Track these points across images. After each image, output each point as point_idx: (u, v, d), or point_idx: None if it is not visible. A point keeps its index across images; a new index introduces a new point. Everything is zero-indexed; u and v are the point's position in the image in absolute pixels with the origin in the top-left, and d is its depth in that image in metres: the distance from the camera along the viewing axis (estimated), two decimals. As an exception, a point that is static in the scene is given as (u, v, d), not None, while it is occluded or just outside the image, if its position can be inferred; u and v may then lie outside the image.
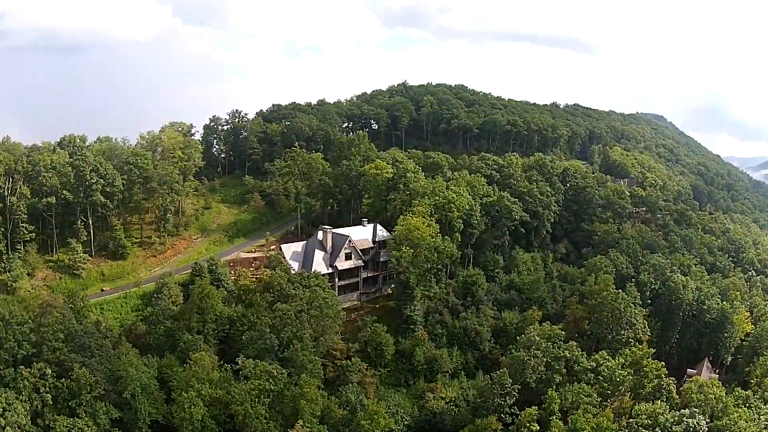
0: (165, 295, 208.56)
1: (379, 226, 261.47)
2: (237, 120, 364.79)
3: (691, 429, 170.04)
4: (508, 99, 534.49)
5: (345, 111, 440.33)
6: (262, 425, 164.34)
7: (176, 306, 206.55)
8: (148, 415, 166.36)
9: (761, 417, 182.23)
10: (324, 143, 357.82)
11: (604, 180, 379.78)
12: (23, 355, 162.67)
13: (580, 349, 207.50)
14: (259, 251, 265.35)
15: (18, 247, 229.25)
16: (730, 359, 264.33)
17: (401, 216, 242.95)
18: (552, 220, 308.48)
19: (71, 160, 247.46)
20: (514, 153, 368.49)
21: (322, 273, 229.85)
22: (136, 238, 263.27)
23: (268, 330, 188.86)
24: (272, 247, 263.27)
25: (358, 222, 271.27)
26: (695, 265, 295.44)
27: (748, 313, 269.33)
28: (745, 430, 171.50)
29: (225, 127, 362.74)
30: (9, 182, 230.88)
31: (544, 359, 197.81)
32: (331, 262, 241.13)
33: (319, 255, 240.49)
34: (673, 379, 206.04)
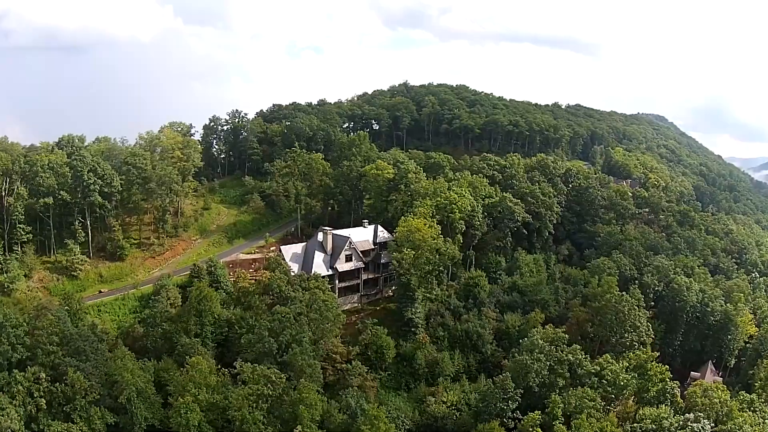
0: (163, 297, 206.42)
1: (380, 228, 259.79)
2: (237, 120, 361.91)
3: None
4: (510, 99, 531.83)
5: (346, 111, 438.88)
6: (260, 431, 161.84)
7: (174, 308, 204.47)
8: (145, 420, 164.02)
9: (766, 421, 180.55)
10: (325, 144, 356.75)
11: (606, 181, 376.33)
12: (17, 358, 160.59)
13: (583, 353, 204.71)
14: (258, 252, 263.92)
15: (15, 248, 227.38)
16: (733, 362, 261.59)
17: (402, 217, 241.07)
18: (554, 222, 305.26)
19: (69, 160, 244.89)
20: (516, 153, 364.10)
21: (322, 275, 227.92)
22: (135, 239, 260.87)
23: (267, 333, 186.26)
24: (272, 249, 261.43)
25: (358, 223, 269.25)
26: (698, 266, 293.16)
27: (752, 315, 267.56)
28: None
29: (225, 128, 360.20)
30: (6, 183, 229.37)
31: (548, 363, 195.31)
32: (331, 263, 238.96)
33: (319, 256, 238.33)
34: (677, 382, 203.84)
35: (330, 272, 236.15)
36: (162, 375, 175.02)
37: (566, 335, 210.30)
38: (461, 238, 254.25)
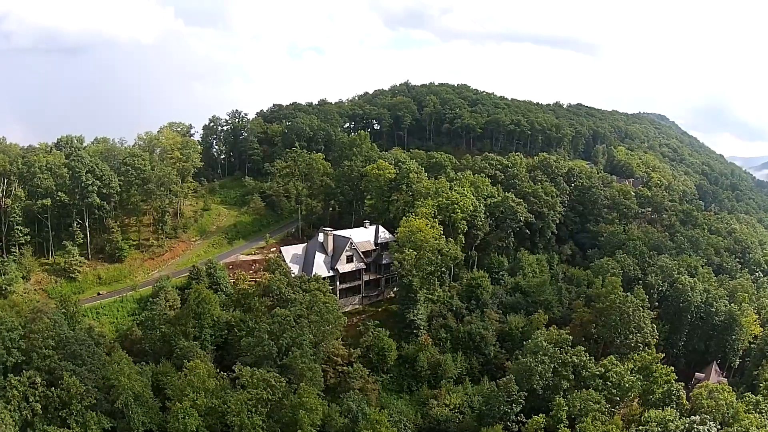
0: (161, 299, 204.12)
1: (381, 228, 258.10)
2: (237, 120, 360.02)
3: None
4: (511, 99, 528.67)
5: (347, 111, 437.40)
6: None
7: (173, 310, 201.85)
8: (142, 425, 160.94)
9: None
10: (325, 144, 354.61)
11: (609, 180, 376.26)
12: (12, 362, 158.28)
13: (587, 354, 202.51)
14: (258, 254, 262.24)
15: (13, 250, 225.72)
16: (738, 362, 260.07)
17: (404, 217, 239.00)
18: (557, 221, 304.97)
19: (67, 161, 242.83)
20: (518, 153, 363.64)
21: (323, 276, 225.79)
22: (134, 241, 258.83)
23: (267, 336, 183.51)
24: (272, 250, 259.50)
25: (360, 224, 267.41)
26: (702, 266, 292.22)
27: (756, 316, 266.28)
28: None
29: (225, 128, 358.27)
30: (4, 184, 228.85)
31: (552, 365, 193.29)
32: (332, 264, 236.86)
33: (319, 258, 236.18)
34: (682, 384, 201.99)
35: (331, 273, 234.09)
36: (160, 378, 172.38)
37: (570, 336, 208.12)
38: (463, 239, 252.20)
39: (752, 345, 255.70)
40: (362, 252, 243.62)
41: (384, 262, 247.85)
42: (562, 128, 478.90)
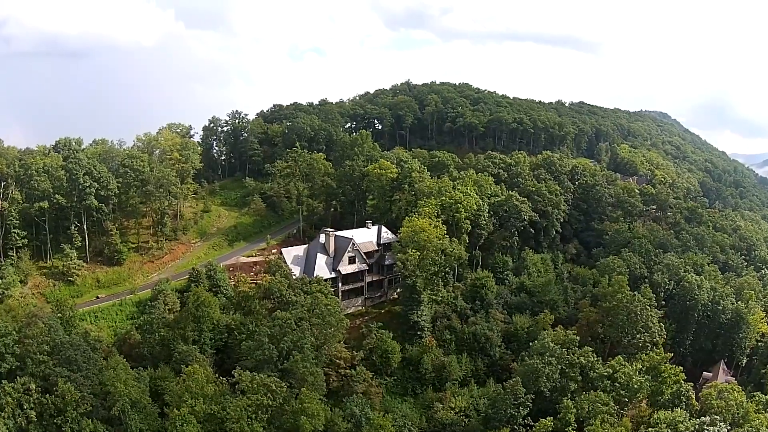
0: (159, 302, 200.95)
1: (384, 228, 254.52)
2: (237, 121, 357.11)
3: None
4: (514, 97, 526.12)
5: (348, 111, 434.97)
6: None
7: (173, 314, 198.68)
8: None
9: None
10: (326, 144, 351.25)
11: (613, 178, 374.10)
12: (6, 368, 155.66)
13: (595, 355, 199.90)
14: (259, 255, 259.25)
15: (10, 254, 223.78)
16: (745, 361, 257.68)
17: (407, 217, 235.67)
18: (561, 220, 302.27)
19: (64, 163, 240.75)
20: (521, 152, 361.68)
21: (325, 278, 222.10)
22: (133, 243, 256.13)
23: (267, 340, 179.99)
24: (273, 251, 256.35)
25: (362, 224, 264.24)
26: (708, 264, 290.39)
27: (763, 313, 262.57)
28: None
29: (225, 129, 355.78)
30: (1, 187, 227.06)
31: (559, 366, 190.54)
32: (334, 266, 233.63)
33: (321, 259, 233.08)
34: (691, 384, 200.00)
35: (333, 275, 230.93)
36: (159, 384, 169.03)
37: (577, 337, 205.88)
38: (467, 238, 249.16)
39: (759, 343, 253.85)
40: (364, 253, 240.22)
41: (387, 262, 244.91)
42: (565, 126, 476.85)
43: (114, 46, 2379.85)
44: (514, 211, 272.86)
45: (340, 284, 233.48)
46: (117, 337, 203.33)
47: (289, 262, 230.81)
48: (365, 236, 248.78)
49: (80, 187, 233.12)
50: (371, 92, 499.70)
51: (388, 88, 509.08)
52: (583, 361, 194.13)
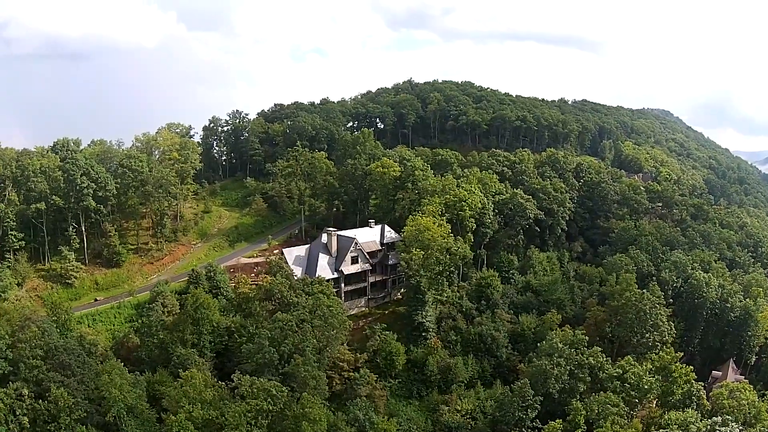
0: (158, 305, 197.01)
1: (387, 227, 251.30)
2: (237, 120, 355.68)
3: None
4: (516, 95, 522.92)
5: (349, 110, 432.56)
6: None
7: (172, 316, 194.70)
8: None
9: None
10: (328, 143, 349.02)
11: (618, 175, 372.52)
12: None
13: (603, 355, 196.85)
14: (261, 256, 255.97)
15: (7, 256, 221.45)
16: (754, 359, 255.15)
17: (410, 216, 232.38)
18: (567, 218, 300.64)
19: (62, 164, 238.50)
20: (525, 149, 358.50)
21: (327, 278, 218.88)
22: (132, 245, 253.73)
23: (267, 342, 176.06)
24: (275, 252, 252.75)
25: (364, 224, 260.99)
26: (715, 261, 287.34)
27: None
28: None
29: (225, 128, 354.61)
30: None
31: (568, 367, 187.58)
32: (336, 266, 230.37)
33: (323, 259, 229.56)
34: (702, 384, 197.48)
35: (335, 275, 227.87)
36: (157, 388, 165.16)
37: (586, 337, 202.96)
38: (472, 237, 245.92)
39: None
40: (367, 252, 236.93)
41: (390, 262, 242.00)
42: (569, 124, 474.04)
43: (115, 48, 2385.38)
44: (519, 209, 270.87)
45: (342, 285, 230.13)
46: (115, 340, 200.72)
47: (290, 262, 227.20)
48: (368, 236, 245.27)
49: (77, 187, 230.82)
50: (373, 91, 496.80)
51: (390, 87, 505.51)
52: (592, 362, 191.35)
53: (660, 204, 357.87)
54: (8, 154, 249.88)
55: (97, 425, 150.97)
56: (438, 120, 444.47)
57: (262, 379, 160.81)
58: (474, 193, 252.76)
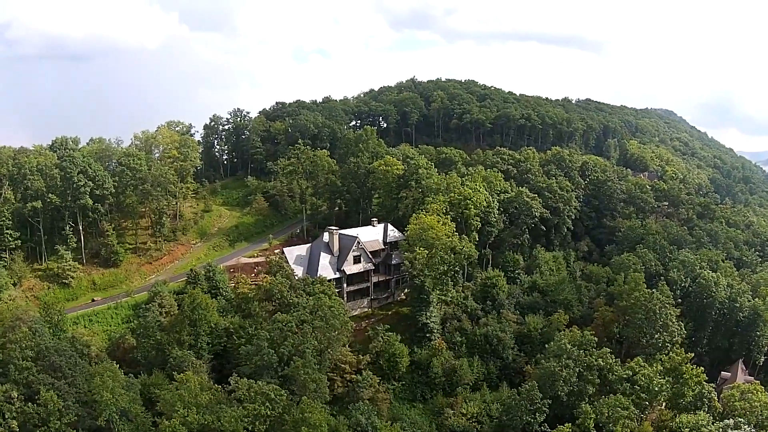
0: (154, 305, 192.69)
1: (390, 226, 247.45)
2: (239, 119, 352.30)
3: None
4: (520, 94, 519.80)
5: (352, 108, 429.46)
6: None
7: (170, 317, 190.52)
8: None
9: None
10: (330, 141, 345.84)
11: (624, 173, 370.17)
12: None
13: (613, 356, 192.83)
14: (261, 256, 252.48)
15: (3, 255, 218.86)
16: (762, 360, 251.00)
17: (414, 214, 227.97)
18: (573, 217, 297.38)
19: (59, 162, 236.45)
20: (530, 147, 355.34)
21: (329, 278, 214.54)
22: (131, 244, 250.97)
23: (266, 344, 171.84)
24: (276, 251, 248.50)
25: (367, 223, 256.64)
26: (723, 260, 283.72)
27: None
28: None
29: (226, 127, 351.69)
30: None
31: (577, 369, 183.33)
32: (338, 266, 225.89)
33: (325, 258, 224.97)
34: (713, 385, 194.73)
35: (337, 275, 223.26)
36: (152, 391, 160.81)
37: (595, 338, 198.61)
38: (477, 236, 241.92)
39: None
40: (370, 252, 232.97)
41: (394, 262, 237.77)
42: (573, 122, 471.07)
43: (118, 49, 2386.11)
44: (525, 207, 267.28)
45: (344, 285, 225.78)
46: (111, 341, 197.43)
47: (291, 262, 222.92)
48: (371, 234, 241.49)
49: (74, 186, 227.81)
50: (376, 89, 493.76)
51: (393, 85, 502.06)
52: (601, 363, 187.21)
53: (666, 203, 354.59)
54: (5, 153, 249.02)
55: (89, 429, 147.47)
56: (441, 118, 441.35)
57: (260, 383, 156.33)
58: (479, 191, 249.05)
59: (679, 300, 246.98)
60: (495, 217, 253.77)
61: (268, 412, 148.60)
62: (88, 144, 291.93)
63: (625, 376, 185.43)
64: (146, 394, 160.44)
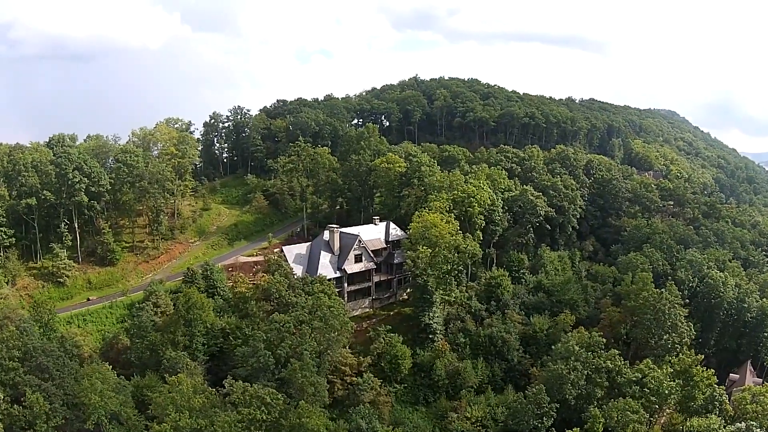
0: (148, 305, 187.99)
1: (392, 225, 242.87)
2: (239, 117, 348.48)
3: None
4: (524, 93, 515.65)
5: (354, 106, 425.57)
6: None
7: (165, 317, 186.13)
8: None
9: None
10: (332, 139, 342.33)
11: (629, 172, 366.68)
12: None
13: (621, 358, 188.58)
14: (260, 255, 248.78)
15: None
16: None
17: (417, 212, 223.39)
18: (578, 216, 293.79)
19: (54, 158, 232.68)
20: (534, 146, 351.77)
21: (329, 277, 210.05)
22: (127, 243, 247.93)
23: (263, 345, 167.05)
24: (275, 250, 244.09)
25: (369, 222, 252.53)
26: (729, 260, 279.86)
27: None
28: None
29: (226, 125, 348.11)
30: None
31: (585, 371, 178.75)
32: (339, 265, 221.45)
33: (325, 257, 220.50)
34: (723, 387, 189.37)
35: (337, 274, 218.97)
36: (145, 393, 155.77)
37: (603, 339, 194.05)
38: (481, 235, 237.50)
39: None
40: (372, 251, 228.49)
41: (396, 261, 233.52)
42: (578, 121, 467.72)
43: (120, 49, 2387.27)
44: (530, 206, 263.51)
45: (345, 284, 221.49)
46: (105, 341, 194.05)
47: (290, 260, 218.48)
48: (372, 233, 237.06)
49: (69, 182, 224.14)
50: (378, 88, 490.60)
51: (395, 84, 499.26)
52: (610, 366, 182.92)
53: (671, 202, 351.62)
54: (0, 150, 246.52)
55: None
56: (444, 117, 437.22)
57: (256, 386, 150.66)
58: (483, 188, 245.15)
59: (687, 300, 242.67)
60: (499, 216, 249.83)
61: (264, 417, 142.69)
62: (85, 141, 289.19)
63: (634, 378, 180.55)
64: (139, 397, 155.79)
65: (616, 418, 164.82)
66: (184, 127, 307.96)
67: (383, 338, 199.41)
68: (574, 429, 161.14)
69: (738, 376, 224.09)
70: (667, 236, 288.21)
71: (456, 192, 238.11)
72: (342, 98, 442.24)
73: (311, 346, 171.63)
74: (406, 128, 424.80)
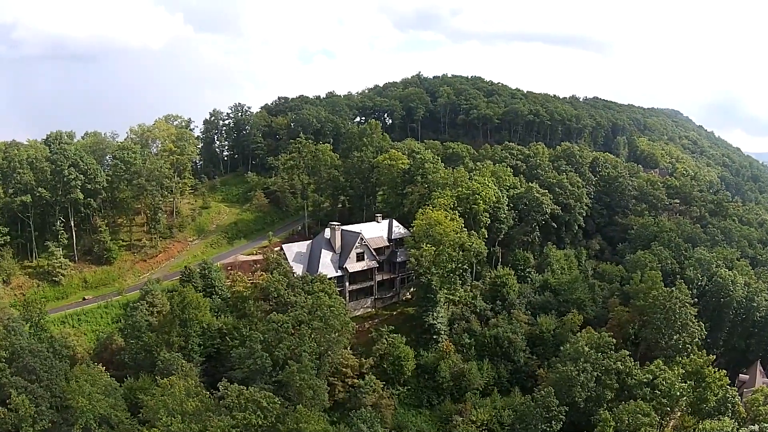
0: (143, 304, 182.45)
1: (395, 222, 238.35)
2: (240, 114, 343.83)
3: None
4: (528, 91, 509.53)
5: (356, 103, 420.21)
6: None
7: (160, 317, 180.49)
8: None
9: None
10: (334, 136, 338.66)
11: (636, 170, 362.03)
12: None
13: (631, 359, 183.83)
14: (260, 253, 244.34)
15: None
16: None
17: (420, 209, 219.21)
18: (584, 214, 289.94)
19: (50, 155, 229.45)
20: (539, 143, 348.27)
21: (330, 276, 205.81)
22: (125, 241, 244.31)
23: (260, 346, 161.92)
24: (276, 249, 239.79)
25: (371, 220, 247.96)
26: (738, 258, 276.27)
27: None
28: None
29: (227, 122, 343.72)
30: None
31: (594, 373, 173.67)
32: (340, 263, 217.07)
33: (326, 255, 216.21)
34: (735, 389, 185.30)
35: (339, 273, 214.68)
36: (138, 396, 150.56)
37: (613, 339, 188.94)
38: (486, 233, 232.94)
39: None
40: (374, 249, 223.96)
41: (399, 259, 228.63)
42: (582, 119, 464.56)
43: (122, 50, 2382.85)
44: (535, 203, 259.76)
45: (346, 283, 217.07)
46: (99, 342, 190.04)
47: (290, 259, 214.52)
48: (375, 231, 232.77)
49: (65, 179, 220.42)
50: (380, 85, 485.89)
51: (398, 81, 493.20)
52: (620, 367, 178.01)
53: (678, 200, 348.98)
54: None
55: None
56: (448, 114, 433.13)
57: (252, 389, 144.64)
58: (488, 186, 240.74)
59: (696, 299, 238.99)
60: (504, 214, 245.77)
61: (260, 422, 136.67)
62: (83, 138, 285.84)
63: (644, 380, 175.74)
64: (132, 399, 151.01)
65: (626, 422, 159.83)
66: (183, 124, 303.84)
67: (386, 339, 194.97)
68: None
69: (748, 376, 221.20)
70: (675, 234, 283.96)
71: (460, 189, 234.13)
72: (344, 95, 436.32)
73: (310, 347, 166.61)
74: (409, 126, 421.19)
